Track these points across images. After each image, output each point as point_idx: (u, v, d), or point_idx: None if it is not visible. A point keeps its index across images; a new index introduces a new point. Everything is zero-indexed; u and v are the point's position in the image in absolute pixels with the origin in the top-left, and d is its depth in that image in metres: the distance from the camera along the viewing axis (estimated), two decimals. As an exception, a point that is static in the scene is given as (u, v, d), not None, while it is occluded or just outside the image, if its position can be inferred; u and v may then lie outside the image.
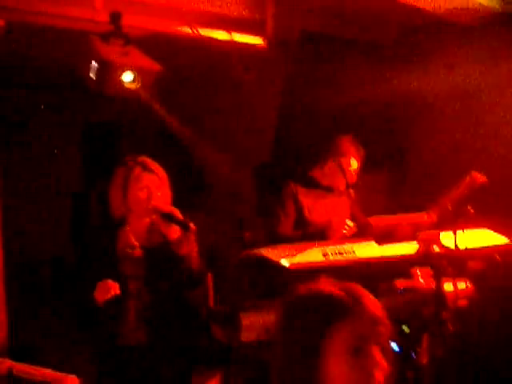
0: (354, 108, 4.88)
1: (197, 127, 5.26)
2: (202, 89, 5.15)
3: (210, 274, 4.07)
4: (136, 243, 3.32)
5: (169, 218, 3.22)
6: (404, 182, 5.12)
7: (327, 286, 1.51)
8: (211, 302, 4.16)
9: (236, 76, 4.73)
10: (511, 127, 4.67)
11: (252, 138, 5.41)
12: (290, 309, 1.52)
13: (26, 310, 5.26)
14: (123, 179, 3.29)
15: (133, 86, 3.82)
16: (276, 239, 4.01)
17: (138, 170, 3.29)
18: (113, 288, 3.11)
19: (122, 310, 3.24)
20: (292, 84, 4.86)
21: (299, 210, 4.11)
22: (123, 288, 3.19)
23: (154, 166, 3.33)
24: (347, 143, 4.20)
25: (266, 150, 5.29)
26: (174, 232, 3.23)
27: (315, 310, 1.44)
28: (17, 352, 4.15)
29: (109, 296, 3.10)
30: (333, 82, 4.70)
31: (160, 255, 3.28)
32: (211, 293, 4.13)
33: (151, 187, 3.28)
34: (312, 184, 4.20)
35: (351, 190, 4.14)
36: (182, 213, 3.28)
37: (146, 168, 3.30)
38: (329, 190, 4.21)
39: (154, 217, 3.31)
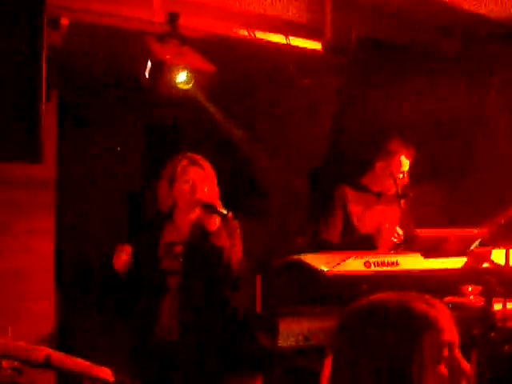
0: (411, 119, 4.78)
1: (252, 131, 5.27)
2: (257, 93, 5.15)
3: (259, 278, 4.06)
4: (178, 239, 3.35)
5: (210, 208, 3.27)
6: (462, 199, 4.98)
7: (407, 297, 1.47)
8: (258, 307, 4.14)
9: (292, 81, 4.71)
10: None
11: (307, 144, 5.36)
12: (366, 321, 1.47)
13: (74, 305, 5.36)
14: (170, 172, 3.36)
15: (186, 86, 3.86)
16: (321, 246, 3.95)
17: (184, 162, 3.36)
18: (125, 251, 3.21)
19: (159, 305, 3.29)
20: (348, 90, 4.80)
21: (348, 217, 4.03)
22: (162, 284, 3.23)
23: (202, 161, 3.40)
24: (396, 143, 4.09)
25: (321, 157, 5.24)
26: (214, 223, 3.27)
27: (403, 323, 1.42)
28: (60, 343, 4.26)
29: (124, 260, 3.18)
30: (390, 91, 4.61)
31: (200, 251, 3.31)
32: (259, 297, 4.11)
33: (196, 181, 3.33)
34: (363, 190, 4.11)
35: (402, 200, 4.04)
36: (232, 211, 3.31)
37: (193, 162, 3.37)
38: (379, 195, 4.11)
39: (198, 212, 3.34)
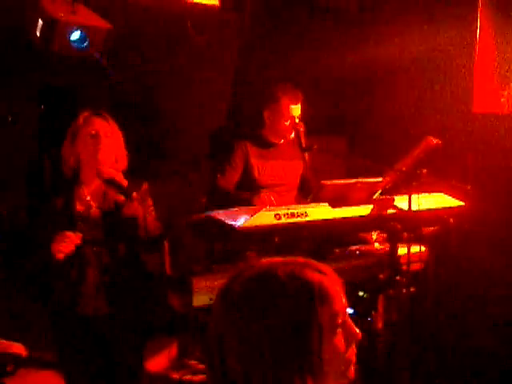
0: (310, 72, 4.82)
1: (151, 92, 5.15)
2: (155, 51, 5.03)
3: (166, 241, 4.01)
4: (92, 203, 3.21)
5: (112, 184, 3.12)
6: (363, 147, 5.10)
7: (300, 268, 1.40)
8: (168, 269, 4.10)
9: (190, 38, 4.62)
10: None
11: (208, 103, 5.31)
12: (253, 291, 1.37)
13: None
14: (72, 128, 3.17)
15: (81, 45, 3.71)
16: (217, 193, 3.94)
17: (87, 113, 3.18)
18: (74, 238, 3.01)
19: (80, 275, 3.13)
20: (247, 47, 4.77)
21: (249, 171, 4.02)
22: (80, 253, 3.09)
23: (105, 113, 3.21)
24: (279, 88, 4.03)
25: (223, 115, 5.21)
26: (120, 196, 3.13)
27: (297, 292, 1.36)
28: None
29: (71, 247, 3.00)
30: (289, 46, 4.62)
31: (116, 218, 3.18)
32: (168, 260, 4.07)
33: (100, 132, 3.14)
34: (264, 143, 4.10)
35: (307, 153, 4.08)
36: (135, 178, 3.20)
37: (96, 113, 3.18)
38: (280, 147, 4.11)
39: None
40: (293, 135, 4.01)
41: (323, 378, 1.36)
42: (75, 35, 3.72)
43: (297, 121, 3.98)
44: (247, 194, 3.89)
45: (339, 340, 1.39)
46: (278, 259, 1.43)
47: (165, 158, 5.81)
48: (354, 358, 1.42)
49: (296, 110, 4.00)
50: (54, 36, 3.61)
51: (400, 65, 4.98)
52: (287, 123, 3.97)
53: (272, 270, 1.39)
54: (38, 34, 3.59)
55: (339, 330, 1.39)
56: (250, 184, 4.00)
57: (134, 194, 3.08)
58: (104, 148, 3.14)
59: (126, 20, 4.21)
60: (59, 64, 4.78)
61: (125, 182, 3.11)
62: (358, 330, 1.42)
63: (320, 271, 1.41)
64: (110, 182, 3.12)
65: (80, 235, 3.04)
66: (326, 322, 1.36)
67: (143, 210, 3.18)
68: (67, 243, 3.00)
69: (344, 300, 1.42)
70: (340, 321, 1.39)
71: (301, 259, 1.44)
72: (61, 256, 3.01)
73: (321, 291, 1.37)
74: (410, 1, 4.73)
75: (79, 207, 3.18)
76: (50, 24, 3.63)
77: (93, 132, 3.14)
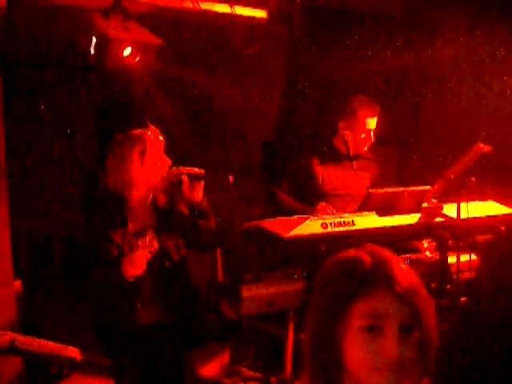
0: (361, 81, 4.82)
1: (202, 103, 5.23)
2: (205, 63, 5.11)
3: (219, 249, 4.07)
4: (145, 224, 3.23)
5: (195, 177, 3.19)
6: (414, 156, 5.06)
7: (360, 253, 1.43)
8: (220, 277, 4.16)
9: (239, 50, 4.68)
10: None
11: (259, 113, 5.36)
12: (320, 276, 1.46)
13: (37, 287, 5.29)
14: (119, 147, 3.24)
15: (132, 61, 3.81)
16: (274, 203, 3.98)
17: (136, 132, 3.23)
18: (143, 261, 3.07)
19: (137, 289, 3.17)
20: (296, 58, 4.80)
21: (312, 179, 4.04)
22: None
23: (150, 126, 3.27)
24: (359, 101, 4.07)
25: (272, 126, 5.25)
26: (198, 193, 3.20)
27: (342, 279, 1.40)
28: (24, 328, 4.20)
29: (142, 269, 3.06)
30: (338, 55, 4.64)
31: (174, 229, 3.24)
32: (220, 267, 4.13)
33: (147, 148, 3.20)
34: (331, 153, 4.12)
35: (355, 162, 4.09)
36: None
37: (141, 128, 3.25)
38: (347, 157, 4.11)
39: (157, 185, 3.24)
40: (366, 148, 4.05)
41: None
42: (127, 51, 3.83)
43: (368, 134, 4.01)
44: (304, 205, 3.90)
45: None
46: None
47: (217, 167, 5.89)
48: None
49: (372, 123, 4.03)
50: (107, 52, 3.73)
51: (448, 70, 4.93)
52: (363, 136, 4.01)
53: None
54: (92, 51, 3.72)
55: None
56: (312, 191, 4.02)
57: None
58: (150, 162, 3.21)
59: (176, 35, 4.31)
60: (115, 80, 4.93)
61: (200, 171, 3.19)
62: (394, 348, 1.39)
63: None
64: (192, 176, 3.18)
65: (149, 256, 3.09)
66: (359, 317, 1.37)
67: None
68: (138, 265, 3.06)
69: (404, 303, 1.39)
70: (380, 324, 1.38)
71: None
72: (130, 279, 3.08)
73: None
74: (456, 6, 4.69)
75: (131, 230, 3.21)
76: (103, 42, 3.74)
77: (141, 150, 3.21)
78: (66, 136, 6.71)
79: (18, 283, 4.46)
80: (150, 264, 3.14)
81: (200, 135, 5.89)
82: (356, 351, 1.35)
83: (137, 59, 3.81)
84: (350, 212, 3.77)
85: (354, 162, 4.10)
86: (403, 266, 1.41)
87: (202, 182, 3.21)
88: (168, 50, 4.03)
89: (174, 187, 3.26)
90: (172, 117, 5.54)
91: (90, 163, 6.84)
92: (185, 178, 3.21)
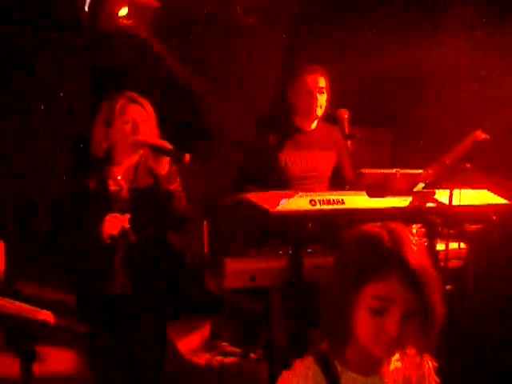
0: (359, 67, 4.76)
1: (197, 72, 5.16)
2: (203, 32, 5.02)
3: (205, 222, 3.99)
4: (123, 183, 3.19)
5: (159, 150, 3.08)
6: (409, 139, 5.02)
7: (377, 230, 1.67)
8: (206, 250, 4.09)
9: (239, 20, 4.59)
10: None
11: (256, 88, 5.28)
12: (344, 251, 1.69)
13: (20, 250, 5.23)
14: (107, 112, 3.15)
15: (128, 22, 3.71)
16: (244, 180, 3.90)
17: (123, 101, 3.14)
18: (123, 221, 3.01)
19: (109, 255, 3.11)
20: (296, 35, 4.72)
21: (278, 164, 3.90)
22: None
23: (141, 99, 3.18)
24: (300, 66, 3.94)
25: (270, 100, 5.18)
26: (164, 167, 3.09)
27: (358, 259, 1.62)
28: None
29: (119, 229, 3.00)
30: (339, 38, 4.55)
31: (147, 196, 3.16)
32: (206, 241, 4.06)
33: (137, 119, 3.13)
34: (295, 133, 3.96)
35: (348, 142, 4.00)
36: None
37: (131, 100, 3.15)
38: (310, 135, 3.97)
39: (141, 152, 3.18)
40: (320, 112, 3.90)
41: None
42: (123, 11, 3.73)
43: (324, 96, 3.88)
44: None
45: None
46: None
47: (209, 139, 5.82)
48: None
49: (312, 81, 3.85)
50: (102, 12, 3.63)
51: (452, 63, 4.88)
52: (311, 98, 3.88)
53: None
54: (86, 9, 3.61)
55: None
56: (278, 177, 3.88)
57: (187, 156, 3.01)
58: (141, 134, 3.13)
59: (175, 1, 4.21)
60: (109, 43, 4.82)
61: (171, 146, 3.08)
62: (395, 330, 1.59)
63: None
64: (158, 150, 3.08)
65: (128, 217, 3.03)
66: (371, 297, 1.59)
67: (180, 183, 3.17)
68: (116, 225, 3.00)
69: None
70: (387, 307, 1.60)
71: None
72: (107, 239, 3.01)
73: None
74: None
75: (113, 187, 3.17)
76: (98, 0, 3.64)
77: (129, 120, 3.13)
78: (60, 100, 6.65)
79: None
80: (125, 232, 3.07)
81: (193, 106, 5.83)
82: (362, 324, 1.58)
83: (132, 20, 3.70)
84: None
85: (316, 140, 3.98)
86: (415, 248, 1.60)
87: (167, 158, 3.09)
88: (165, 16, 3.93)
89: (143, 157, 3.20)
90: (166, 85, 5.47)
91: (82, 127, 6.77)
92: (147, 148, 3.13)
